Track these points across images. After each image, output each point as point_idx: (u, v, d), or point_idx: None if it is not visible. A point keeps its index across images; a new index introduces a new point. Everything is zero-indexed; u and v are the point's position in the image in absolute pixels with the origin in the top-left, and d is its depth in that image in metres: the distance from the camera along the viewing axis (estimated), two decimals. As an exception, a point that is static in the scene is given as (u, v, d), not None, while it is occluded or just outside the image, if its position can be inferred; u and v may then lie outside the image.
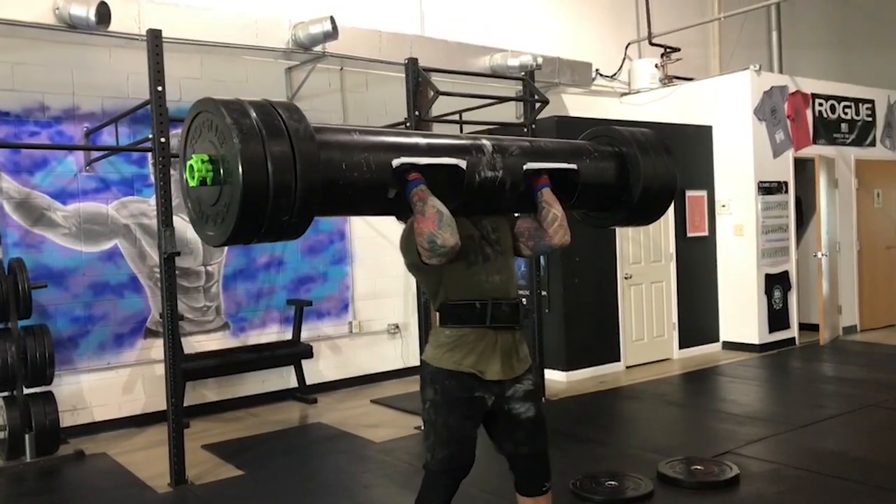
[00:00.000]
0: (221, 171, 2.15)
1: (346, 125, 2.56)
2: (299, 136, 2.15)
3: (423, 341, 5.41)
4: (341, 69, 6.83)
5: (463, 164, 2.54)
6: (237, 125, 2.09)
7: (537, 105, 6.09)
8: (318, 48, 6.20)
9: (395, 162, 2.40)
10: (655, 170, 2.94)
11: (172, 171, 4.51)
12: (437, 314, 2.72)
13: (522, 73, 6.44)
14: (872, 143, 9.02)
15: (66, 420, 5.37)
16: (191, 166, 2.18)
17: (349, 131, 2.43)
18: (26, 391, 4.89)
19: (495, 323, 2.62)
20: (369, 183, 2.38)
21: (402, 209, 2.50)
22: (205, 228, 2.31)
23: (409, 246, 2.54)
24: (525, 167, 2.68)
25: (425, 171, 2.46)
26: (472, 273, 2.62)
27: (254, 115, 2.13)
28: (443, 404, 2.61)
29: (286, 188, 2.11)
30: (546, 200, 2.69)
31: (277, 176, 2.09)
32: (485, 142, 2.66)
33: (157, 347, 5.84)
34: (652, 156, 2.95)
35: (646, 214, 3.08)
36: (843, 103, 8.66)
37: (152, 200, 5.80)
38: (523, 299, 2.73)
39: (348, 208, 2.58)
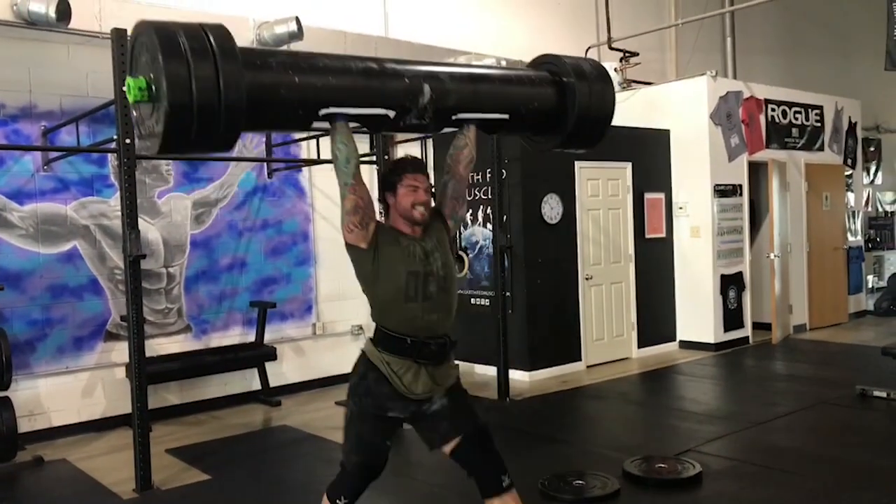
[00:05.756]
0: (154, 89, 2.29)
1: (276, 49, 2.82)
2: (226, 57, 2.28)
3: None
4: (305, 69, 6.79)
5: (392, 114, 2.64)
6: (165, 49, 2.23)
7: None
8: (284, 48, 6.16)
9: (322, 112, 2.53)
10: (591, 98, 3.03)
11: (138, 174, 4.44)
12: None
13: (487, 77, 6.49)
14: (821, 148, 9.32)
15: (23, 426, 5.23)
16: (129, 84, 2.33)
17: (275, 53, 2.59)
18: (-18, 397, 4.77)
19: (422, 359, 2.70)
20: (294, 103, 2.51)
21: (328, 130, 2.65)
22: (144, 139, 2.48)
23: (341, 222, 2.73)
24: (454, 118, 2.80)
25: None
26: (409, 308, 2.68)
27: (182, 38, 2.25)
28: (358, 417, 2.76)
29: (210, 108, 2.25)
30: (470, 138, 2.84)
31: (202, 96, 2.23)
32: (425, 87, 2.69)
33: (117, 350, 5.74)
34: (589, 83, 3.04)
35: (582, 140, 3.17)
36: (793, 109, 8.93)
37: (112, 201, 5.71)
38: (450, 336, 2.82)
39: (275, 126, 2.76)
